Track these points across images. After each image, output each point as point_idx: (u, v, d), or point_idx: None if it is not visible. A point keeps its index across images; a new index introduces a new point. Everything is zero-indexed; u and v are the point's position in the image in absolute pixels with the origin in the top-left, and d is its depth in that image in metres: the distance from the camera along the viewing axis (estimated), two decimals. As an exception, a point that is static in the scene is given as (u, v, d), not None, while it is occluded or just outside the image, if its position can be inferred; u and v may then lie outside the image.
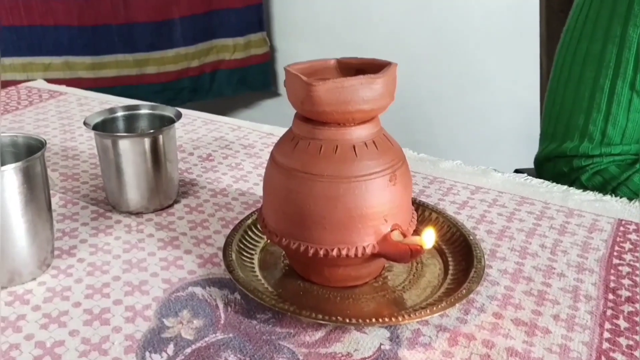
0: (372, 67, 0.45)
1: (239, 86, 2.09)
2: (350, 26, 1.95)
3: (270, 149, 0.74)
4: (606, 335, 0.42)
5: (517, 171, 0.75)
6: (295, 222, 0.44)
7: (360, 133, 0.43)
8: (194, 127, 0.81)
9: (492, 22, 1.65)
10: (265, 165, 0.69)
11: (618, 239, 0.54)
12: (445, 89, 1.80)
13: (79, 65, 1.83)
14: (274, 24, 2.10)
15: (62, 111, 0.87)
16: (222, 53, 2.03)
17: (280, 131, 0.79)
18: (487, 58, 1.68)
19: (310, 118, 0.43)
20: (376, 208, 0.43)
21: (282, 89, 2.15)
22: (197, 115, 0.85)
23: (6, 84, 1.76)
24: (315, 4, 2.00)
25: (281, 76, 2.14)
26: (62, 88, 0.98)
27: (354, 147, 0.43)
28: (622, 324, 0.43)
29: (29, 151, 0.49)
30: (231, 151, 0.74)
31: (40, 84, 1.00)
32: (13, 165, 0.44)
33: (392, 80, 0.43)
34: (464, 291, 0.44)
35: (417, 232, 0.51)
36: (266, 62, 2.10)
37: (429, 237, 0.42)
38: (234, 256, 0.48)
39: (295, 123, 0.45)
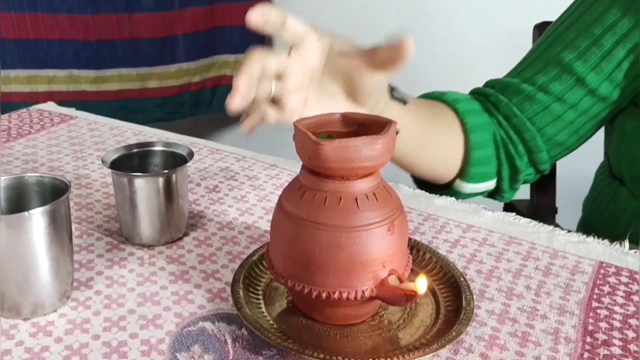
0: (373, 123, 0.50)
1: (239, 101, 2.12)
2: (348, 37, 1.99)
3: (274, 180, 0.78)
4: (583, 377, 0.46)
5: (506, 208, 0.79)
6: (300, 266, 0.48)
7: (362, 186, 0.47)
8: (200, 156, 0.85)
9: (489, 46, 1.70)
10: (268, 197, 0.74)
11: (598, 282, 0.58)
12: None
13: (82, 78, 1.86)
14: (275, 41, 2.14)
15: (73, 136, 0.91)
16: (223, 69, 2.07)
17: (283, 162, 0.83)
18: (484, 79, 1.73)
19: (317, 172, 0.47)
20: (375, 255, 0.47)
21: (281, 105, 2.19)
22: (204, 144, 0.89)
23: (11, 96, 1.80)
24: (316, 22, 2.04)
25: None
26: (72, 112, 1.02)
27: (356, 199, 0.47)
28: (598, 366, 0.47)
29: (53, 190, 0.53)
30: (237, 182, 0.77)
31: (51, 106, 1.04)
32: (41, 209, 0.48)
33: (392, 139, 0.47)
34: (454, 333, 0.48)
35: (413, 271, 0.55)
36: (267, 79, 2.14)
37: (422, 284, 0.46)
38: (241, 293, 0.52)
39: (302, 174, 0.49)
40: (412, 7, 1.83)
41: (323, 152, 0.45)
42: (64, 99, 1.82)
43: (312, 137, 0.45)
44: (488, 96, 0.78)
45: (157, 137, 0.91)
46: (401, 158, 0.72)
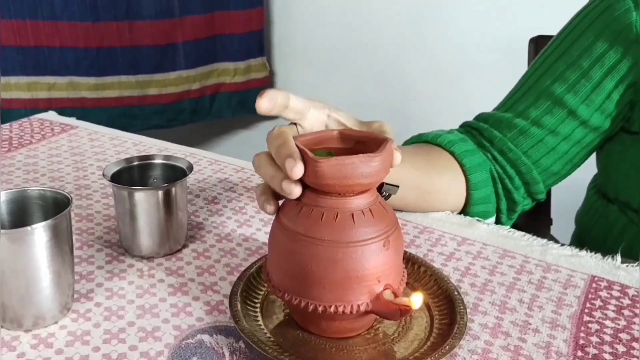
0: (370, 140, 0.51)
1: (238, 109, 2.14)
2: (348, 54, 2.01)
3: (272, 193, 0.79)
4: (573, 391, 0.47)
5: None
6: (297, 280, 0.49)
7: (358, 202, 0.48)
8: (199, 167, 0.86)
9: (486, 57, 1.71)
10: (267, 209, 0.74)
11: (590, 296, 0.59)
12: (440, 118, 1.86)
13: (82, 85, 1.88)
14: (274, 50, 2.16)
15: (74, 146, 0.92)
16: (222, 76, 2.09)
17: (281, 174, 0.84)
18: (481, 90, 1.74)
19: (314, 188, 0.48)
20: (371, 270, 0.48)
21: (279, 112, 2.21)
22: (203, 154, 0.90)
23: (11, 102, 1.81)
24: (315, 32, 2.06)
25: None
26: (73, 121, 1.03)
27: (353, 215, 0.48)
28: (588, 380, 0.48)
29: (55, 204, 0.54)
30: (235, 194, 0.78)
31: (52, 116, 1.05)
32: (43, 223, 0.49)
33: (388, 157, 0.48)
34: (447, 347, 0.49)
35: (409, 285, 0.56)
36: (265, 86, 2.15)
37: (416, 299, 0.47)
38: (239, 306, 0.53)
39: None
40: (410, 17, 1.85)
41: (320, 170, 0.46)
42: (64, 106, 1.83)
43: (310, 154, 0.46)
44: (482, 131, 0.78)
45: (157, 147, 0.92)
46: (405, 208, 0.73)
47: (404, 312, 0.47)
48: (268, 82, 2.15)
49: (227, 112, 2.12)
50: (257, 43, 2.10)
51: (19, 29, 1.74)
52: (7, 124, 1.00)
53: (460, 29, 1.75)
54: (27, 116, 1.00)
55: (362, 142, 0.52)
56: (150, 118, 1.99)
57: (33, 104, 1.80)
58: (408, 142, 0.80)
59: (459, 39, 1.76)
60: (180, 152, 0.90)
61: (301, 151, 0.47)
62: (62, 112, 1.33)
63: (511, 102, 0.79)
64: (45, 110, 1.72)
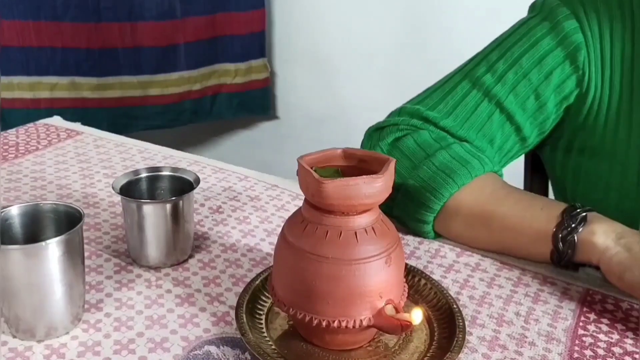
0: (373, 159, 0.53)
1: (238, 109, 2.15)
2: (348, 56, 2.02)
3: (275, 202, 0.81)
4: (567, 404, 0.49)
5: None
6: (301, 295, 0.51)
7: (361, 221, 0.50)
8: (203, 175, 0.87)
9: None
10: (270, 219, 0.76)
11: (584, 309, 0.61)
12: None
13: (84, 85, 1.89)
14: (275, 51, 2.17)
15: (80, 153, 0.93)
16: (223, 77, 2.10)
17: (284, 183, 0.86)
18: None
19: (319, 207, 0.50)
20: (373, 287, 0.50)
21: (280, 113, 2.23)
22: (207, 162, 0.92)
23: (14, 102, 1.82)
24: (315, 34, 2.07)
25: (280, 100, 2.22)
26: (78, 127, 1.04)
27: (356, 234, 0.50)
28: (582, 394, 0.50)
29: (67, 218, 0.55)
30: (239, 203, 0.80)
31: (57, 121, 1.06)
32: (57, 239, 0.50)
33: (390, 177, 0.50)
34: (447, 360, 0.51)
35: (410, 297, 0.58)
36: (266, 87, 2.16)
37: (417, 315, 0.49)
38: (245, 318, 0.55)
39: (305, 207, 0.52)
40: (410, 21, 1.86)
41: (325, 190, 0.48)
42: (66, 106, 1.84)
43: (315, 175, 0.48)
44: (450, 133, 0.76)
45: (162, 154, 0.94)
46: None
47: (404, 327, 0.49)
48: (269, 84, 2.16)
49: (227, 112, 2.14)
50: (258, 44, 2.11)
51: (21, 30, 1.75)
52: (14, 129, 1.01)
53: (460, 33, 1.76)
54: (29, 116, 1.01)
55: (365, 161, 0.53)
56: (152, 118, 2.01)
57: (35, 104, 1.82)
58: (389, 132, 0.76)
59: (458, 44, 1.77)
60: (184, 160, 0.92)
61: (306, 172, 0.49)
62: (64, 112, 1.34)
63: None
64: (47, 110, 1.74)
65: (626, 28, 0.73)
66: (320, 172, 0.50)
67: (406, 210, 0.72)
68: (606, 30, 0.73)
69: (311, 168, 0.50)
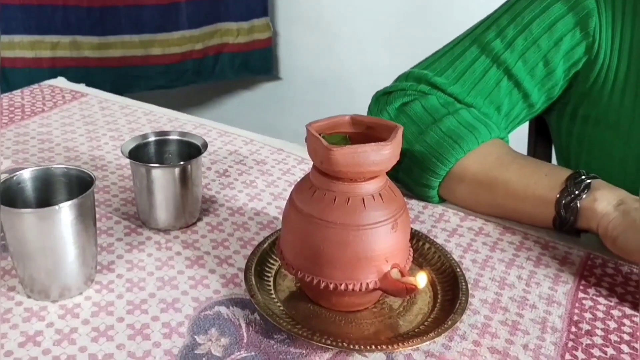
0: (380, 126, 0.53)
1: (241, 70, 2.14)
2: (352, 18, 2.00)
3: (281, 165, 0.82)
4: (565, 365, 0.51)
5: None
6: (310, 259, 0.52)
7: (369, 188, 0.51)
8: (209, 138, 0.88)
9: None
10: (276, 183, 0.77)
11: (585, 273, 0.63)
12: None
13: (85, 44, 1.87)
14: (277, 10, 2.14)
15: (85, 115, 0.94)
16: (225, 37, 2.07)
17: (290, 147, 0.87)
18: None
19: (327, 173, 0.51)
20: (379, 251, 0.51)
21: (282, 74, 2.21)
22: (213, 125, 0.92)
23: (15, 61, 1.81)
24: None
25: (282, 61, 2.20)
26: (83, 88, 1.04)
27: (363, 200, 0.51)
28: (580, 355, 0.52)
29: (79, 182, 0.56)
30: (245, 167, 0.81)
31: (61, 82, 1.06)
32: (69, 202, 0.51)
33: (398, 144, 0.51)
34: (449, 322, 0.52)
35: (415, 260, 0.59)
36: (268, 47, 2.15)
37: (421, 279, 0.50)
38: (253, 280, 0.56)
39: (313, 174, 0.53)
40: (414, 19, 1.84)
41: (334, 157, 0.48)
42: (68, 65, 1.83)
43: (324, 142, 0.49)
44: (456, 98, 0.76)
45: (167, 117, 0.94)
46: None
47: (409, 290, 0.51)
48: (271, 44, 2.14)
49: (230, 73, 2.12)
50: (261, 3, 2.08)
51: (22, -12, 1.73)
52: (19, 91, 1.01)
53: (466, 5, 1.74)
54: (31, 75, 1.00)
55: (373, 128, 0.54)
56: (154, 78, 1.99)
57: (37, 64, 1.80)
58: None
59: (462, 8, 1.75)
60: (189, 123, 0.92)
61: (315, 139, 0.50)
62: (66, 71, 1.33)
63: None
64: (50, 69, 1.73)
65: None
66: (328, 139, 0.51)
67: (412, 175, 0.73)
68: None
69: (319, 135, 0.50)
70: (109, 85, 1.78)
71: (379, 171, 0.50)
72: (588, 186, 0.63)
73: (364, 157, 0.49)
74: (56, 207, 0.51)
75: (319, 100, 2.11)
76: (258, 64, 2.16)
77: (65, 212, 0.52)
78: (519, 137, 0.96)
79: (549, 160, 1.01)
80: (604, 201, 0.61)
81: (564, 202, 0.63)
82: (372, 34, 1.97)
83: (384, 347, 0.50)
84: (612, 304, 0.58)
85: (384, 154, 0.49)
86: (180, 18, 1.97)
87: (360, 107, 0.82)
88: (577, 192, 0.63)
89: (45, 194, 0.57)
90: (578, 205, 0.62)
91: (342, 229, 0.50)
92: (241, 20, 2.08)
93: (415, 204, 0.74)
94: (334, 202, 0.51)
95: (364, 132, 0.54)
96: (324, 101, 2.09)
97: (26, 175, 0.56)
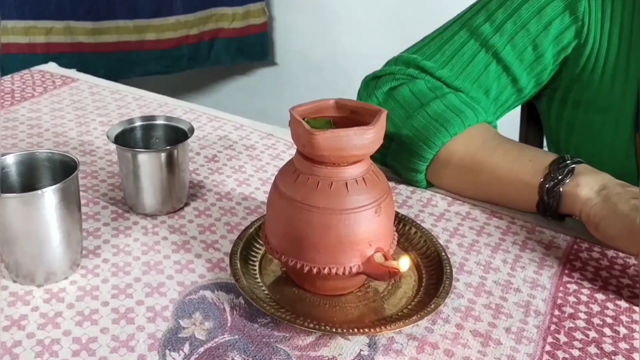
0: (365, 110, 0.53)
1: (236, 55, 2.13)
2: (348, 1, 1.98)
3: (270, 151, 0.82)
4: (547, 348, 0.51)
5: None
6: (293, 243, 0.52)
7: (352, 172, 0.51)
8: (199, 123, 0.88)
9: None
10: (265, 168, 0.77)
11: (571, 257, 0.63)
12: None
13: (79, 30, 1.86)
14: (272, -2, 2.13)
15: (75, 100, 0.93)
16: (221, 22, 2.06)
17: (280, 132, 0.86)
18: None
19: (310, 158, 0.51)
20: (363, 235, 0.51)
21: (278, 59, 2.20)
22: (203, 111, 0.92)
23: (9, 47, 1.80)
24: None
25: (278, 46, 2.19)
26: (74, 73, 1.03)
27: (346, 184, 0.51)
28: (562, 338, 0.52)
29: (63, 167, 0.56)
30: (234, 152, 0.81)
31: (52, 67, 1.05)
32: (53, 187, 0.51)
33: (381, 128, 0.50)
34: (433, 305, 0.52)
35: (400, 245, 0.60)
36: (264, 32, 2.13)
37: (404, 263, 0.50)
38: (239, 265, 0.56)
39: (297, 158, 0.53)
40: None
41: (316, 141, 0.48)
42: (61, 51, 1.82)
43: (306, 126, 0.49)
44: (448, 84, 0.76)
45: (157, 102, 0.94)
46: None
47: (392, 274, 0.51)
48: (267, 29, 2.13)
49: (225, 58, 2.11)
50: (256, -13, 2.07)
51: (15, -28, 1.72)
52: (9, 76, 1.01)
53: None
54: (26, 61, 0.99)
55: (357, 112, 0.54)
56: (149, 64, 1.98)
57: (31, 49, 1.79)
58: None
59: (458, 1, 1.74)
60: (179, 108, 0.92)
61: (298, 123, 0.49)
62: (60, 57, 1.32)
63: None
64: (44, 55, 1.72)
65: None
66: (312, 123, 0.51)
67: (399, 159, 0.73)
68: None
69: (303, 119, 0.50)
70: (104, 71, 1.77)
71: (362, 155, 0.50)
72: (572, 171, 0.63)
73: (347, 141, 0.48)
74: (39, 191, 0.51)
75: (316, 85, 2.10)
76: (254, 49, 2.15)
77: (49, 196, 0.52)
78: (511, 122, 0.96)
79: (540, 145, 1.01)
80: (586, 187, 0.61)
81: (547, 187, 0.63)
82: (368, 19, 1.96)
83: (367, 330, 0.50)
84: (597, 287, 0.59)
85: (366, 138, 0.49)
86: (174, 3, 1.95)
87: (357, 91, 0.81)
88: (560, 177, 0.63)
89: (30, 179, 0.57)
90: (561, 190, 0.63)
91: (325, 213, 0.50)
92: (236, 5, 2.06)
93: (403, 189, 0.74)
94: (317, 187, 0.51)
95: (349, 116, 0.54)
96: (321, 86, 2.08)
97: (10, 160, 0.56)
